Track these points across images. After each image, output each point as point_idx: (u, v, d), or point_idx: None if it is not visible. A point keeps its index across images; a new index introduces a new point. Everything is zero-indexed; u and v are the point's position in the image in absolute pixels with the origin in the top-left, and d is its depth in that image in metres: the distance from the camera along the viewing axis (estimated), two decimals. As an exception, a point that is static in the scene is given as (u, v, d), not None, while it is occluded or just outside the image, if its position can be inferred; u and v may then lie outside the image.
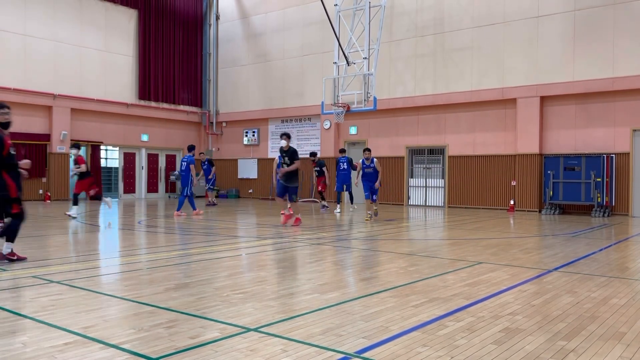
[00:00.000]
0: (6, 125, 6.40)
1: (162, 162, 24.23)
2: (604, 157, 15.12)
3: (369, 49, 15.81)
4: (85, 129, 20.99)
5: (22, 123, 19.23)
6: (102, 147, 22.02)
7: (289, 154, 11.42)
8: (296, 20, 22.15)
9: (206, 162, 18.81)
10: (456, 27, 18.21)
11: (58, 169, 20.07)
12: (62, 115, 20.09)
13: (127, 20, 22.18)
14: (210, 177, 18.69)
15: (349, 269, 6.68)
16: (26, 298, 4.71)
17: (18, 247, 7.98)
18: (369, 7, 15.96)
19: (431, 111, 18.95)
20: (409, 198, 19.65)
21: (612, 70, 15.41)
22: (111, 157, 23.82)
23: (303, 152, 21.62)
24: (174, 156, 24.70)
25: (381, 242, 9.30)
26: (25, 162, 6.75)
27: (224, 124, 24.99)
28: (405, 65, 19.33)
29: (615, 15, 15.40)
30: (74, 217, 12.90)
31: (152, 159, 23.82)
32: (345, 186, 15.70)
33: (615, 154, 15.48)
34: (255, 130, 23.65)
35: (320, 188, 16.23)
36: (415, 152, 19.52)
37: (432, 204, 19.11)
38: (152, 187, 23.84)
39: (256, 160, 23.66)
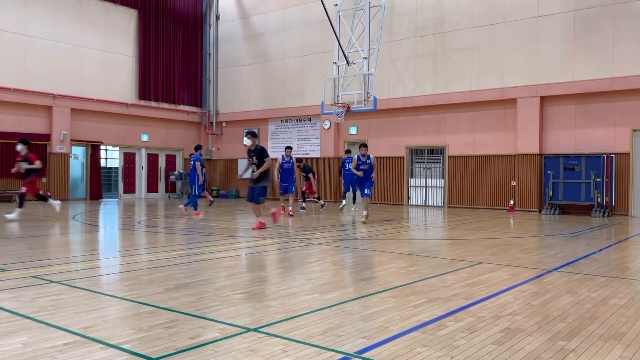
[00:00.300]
0: None
1: (162, 162, 24.24)
2: (604, 157, 15.12)
3: (369, 49, 15.81)
4: (85, 128, 20.99)
5: (22, 123, 19.25)
6: (102, 147, 22.02)
7: (257, 152, 10.79)
8: (296, 20, 22.14)
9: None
10: (456, 27, 18.21)
11: (58, 169, 20.07)
12: (62, 115, 20.09)
13: (127, 20, 22.18)
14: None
15: (349, 269, 6.68)
16: (26, 298, 4.71)
17: (19, 247, 7.99)
18: (369, 7, 15.96)
19: (431, 111, 18.95)
20: (408, 198, 19.65)
21: (612, 70, 15.41)
22: (111, 157, 23.83)
23: (303, 152, 21.66)
24: (173, 156, 24.70)
25: (381, 242, 9.30)
26: None
27: (224, 124, 24.99)
28: (405, 65, 19.33)
29: (615, 15, 15.39)
30: (15, 221, 11.83)
31: (152, 159, 23.82)
32: (352, 186, 15.71)
33: (615, 154, 15.48)
34: (255, 131, 23.62)
35: (304, 189, 16.09)
36: (415, 152, 19.52)
37: (432, 204, 19.11)
38: (152, 187, 23.85)
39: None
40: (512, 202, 17.07)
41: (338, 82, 16.50)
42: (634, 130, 15.36)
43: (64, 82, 20.10)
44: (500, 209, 17.35)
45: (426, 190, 19.30)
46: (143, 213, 15.59)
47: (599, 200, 15.06)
